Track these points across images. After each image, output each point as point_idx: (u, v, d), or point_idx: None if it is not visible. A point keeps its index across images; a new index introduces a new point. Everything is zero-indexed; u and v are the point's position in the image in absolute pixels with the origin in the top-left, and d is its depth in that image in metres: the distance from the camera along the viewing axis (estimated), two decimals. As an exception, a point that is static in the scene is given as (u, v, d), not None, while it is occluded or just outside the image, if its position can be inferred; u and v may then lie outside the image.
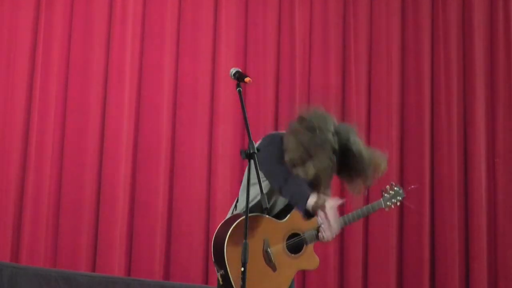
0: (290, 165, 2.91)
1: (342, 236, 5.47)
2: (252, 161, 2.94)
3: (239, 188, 3.55)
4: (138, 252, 5.19)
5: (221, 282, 3.20)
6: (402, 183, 5.17)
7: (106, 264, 5.03)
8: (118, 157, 5.10)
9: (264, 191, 2.90)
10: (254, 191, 3.08)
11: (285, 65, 5.80)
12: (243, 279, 2.80)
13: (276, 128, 5.49)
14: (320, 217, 3.05)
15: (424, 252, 5.53)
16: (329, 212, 3.02)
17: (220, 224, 3.28)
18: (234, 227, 3.20)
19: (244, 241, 2.89)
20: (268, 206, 3.00)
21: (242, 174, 3.87)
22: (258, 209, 3.27)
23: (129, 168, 5.25)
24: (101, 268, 5.01)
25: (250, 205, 3.04)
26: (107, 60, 5.33)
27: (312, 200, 2.99)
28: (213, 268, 4.71)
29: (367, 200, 3.83)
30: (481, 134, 5.77)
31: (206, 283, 5.15)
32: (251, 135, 2.94)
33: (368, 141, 5.39)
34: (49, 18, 5.22)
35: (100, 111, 5.26)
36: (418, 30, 6.04)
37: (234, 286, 3.13)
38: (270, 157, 3.24)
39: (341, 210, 3.24)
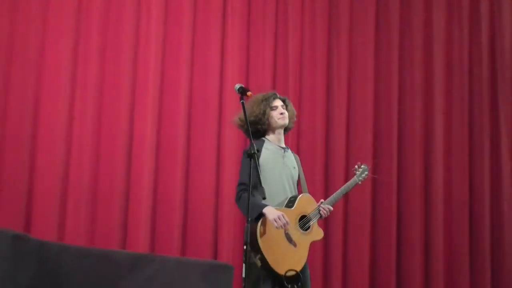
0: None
1: (326, 224, 5.94)
2: (254, 160, 3.67)
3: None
4: (160, 233, 5.77)
5: (259, 264, 3.86)
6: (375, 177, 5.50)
7: (134, 243, 5.61)
8: (143, 156, 5.71)
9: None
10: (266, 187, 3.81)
11: (280, 80, 6.35)
12: (247, 257, 3.58)
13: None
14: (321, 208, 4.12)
15: (392, 235, 6.22)
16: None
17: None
18: (260, 222, 3.89)
19: (246, 224, 3.57)
20: (265, 196, 3.73)
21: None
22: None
23: (152, 164, 5.79)
24: (130, 246, 5.62)
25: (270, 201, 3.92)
26: (135, 76, 5.91)
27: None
28: (221, 245, 5.58)
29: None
30: (439, 139, 6.45)
31: (215, 257, 5.70)
32: (252, 139, 3.78)
33: (347, 143, 6.40)
34: (87, 41, 5.87)
35: (129, 118, 5.83)
36: (389, 52, 6.64)
37: (271, 266, 3.84)
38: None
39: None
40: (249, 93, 4.00)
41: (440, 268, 6.28)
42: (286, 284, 3.91)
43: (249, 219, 3.63)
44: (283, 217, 3.85)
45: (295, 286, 3.93)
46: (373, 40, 6.63)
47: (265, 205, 3.89)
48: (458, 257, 6.38)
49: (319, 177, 6.16)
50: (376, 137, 6.53)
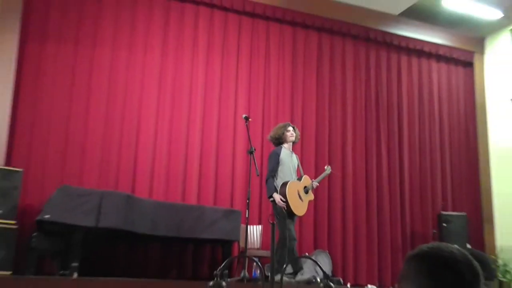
0: None
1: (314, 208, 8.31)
2: (252, 156, 6.33)
3: (249, 171, 6.57)
4: (203, 194, 7.93)
5: (285, 209, 6.24)
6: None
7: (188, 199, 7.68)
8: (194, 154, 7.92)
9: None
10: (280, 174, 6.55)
11: (269, 107, 8.69)
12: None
13: (262, 141, 8.35)
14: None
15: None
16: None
17: (280, 186, 6.37)
18: (288, 185, 6.38)
19: (247, 202, 6.49)
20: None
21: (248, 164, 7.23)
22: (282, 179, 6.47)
23: (197, 155, 7.90)
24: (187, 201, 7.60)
25: (280, 179, 6.47)
26: (190, 102, 8.03)
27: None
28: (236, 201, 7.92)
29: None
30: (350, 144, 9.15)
31: (232, 206, 7.70)
32: (251, 143, 6.46)
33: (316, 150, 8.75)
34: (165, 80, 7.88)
35: (185, 135, 7.90)
36: (336, 83, 9.21)
37: (292, 209, 6.31)
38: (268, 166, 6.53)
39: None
40: (249, 120, 6.65)
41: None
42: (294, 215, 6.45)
43: (277, 191, 6.34)
44: (281, 199, 6.28)
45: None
46: (315, 81, 9.20)
47: (275, 191, 6.40)
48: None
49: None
50: (324, 145, 9.03)
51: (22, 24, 7.26)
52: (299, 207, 6.58)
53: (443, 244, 1.36)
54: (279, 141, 6.85)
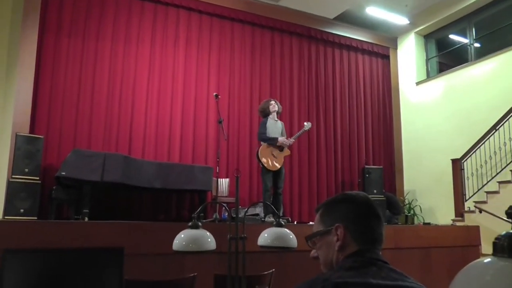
0: None
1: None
2: (221, 125, 6.42)
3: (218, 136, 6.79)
4: (184, 155, 7.96)
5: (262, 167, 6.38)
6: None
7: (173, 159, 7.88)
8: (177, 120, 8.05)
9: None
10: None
11: (233, 88, 8.68)
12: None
13: (228, 113, 8.47)
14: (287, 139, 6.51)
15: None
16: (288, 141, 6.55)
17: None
18: (260, 149, 6.45)
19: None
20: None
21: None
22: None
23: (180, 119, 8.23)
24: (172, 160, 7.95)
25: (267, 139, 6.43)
26: (173, 84, 8.02)
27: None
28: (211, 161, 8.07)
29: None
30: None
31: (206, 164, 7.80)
32: (220, 114, 6.60)
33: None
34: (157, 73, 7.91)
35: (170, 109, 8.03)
36: (285, 70, 9.19)
37: (265, 165, 6.37)
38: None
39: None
40: (219, 97, 6.79)
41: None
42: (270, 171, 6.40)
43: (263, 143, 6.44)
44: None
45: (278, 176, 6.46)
46: (269, 68, 9.18)
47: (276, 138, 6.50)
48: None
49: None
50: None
51: (40, 20, 7.15)
52: (271, 164, 6.55)
53: (355, 191, 1.48)
54: (265, 112, 6.84)
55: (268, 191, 6.48)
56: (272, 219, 6.11)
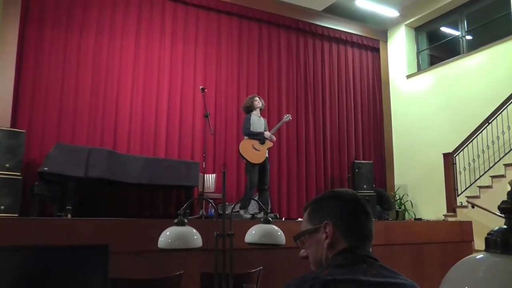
0: None
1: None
2: (208, 119, 6.47)
3: (205, 131, 7.13)
4: (170, 150, 7.93)
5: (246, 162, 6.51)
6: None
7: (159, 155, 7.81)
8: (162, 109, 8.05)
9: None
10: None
11: (220, 81, 8.60)
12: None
13: (215, 107, 8.52)
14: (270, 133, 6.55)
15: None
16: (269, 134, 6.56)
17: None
18: (241, 144, 6.53)
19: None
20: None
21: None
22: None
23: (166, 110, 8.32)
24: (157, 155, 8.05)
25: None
26: (159, 77, 8.01)
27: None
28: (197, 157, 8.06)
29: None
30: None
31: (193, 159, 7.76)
32: (207, 109, 6.62)
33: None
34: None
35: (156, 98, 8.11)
36: (273, 63, 9.17)
37: (248, 159, 6.42)
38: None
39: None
40: (205, 90, 6.76)
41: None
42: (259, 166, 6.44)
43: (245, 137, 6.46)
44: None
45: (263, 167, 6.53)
46: (257, 61, 9.17)
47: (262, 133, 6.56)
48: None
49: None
50: (264, 111, 8.09)
51: (22, 11, 7.10)
52: (254, 157, 6.59)
53: (343, 188, 1.49)
54: (249, 109, 6.87)
55: (253, 187, 6.52)
56: (248, 215, 6.14)
